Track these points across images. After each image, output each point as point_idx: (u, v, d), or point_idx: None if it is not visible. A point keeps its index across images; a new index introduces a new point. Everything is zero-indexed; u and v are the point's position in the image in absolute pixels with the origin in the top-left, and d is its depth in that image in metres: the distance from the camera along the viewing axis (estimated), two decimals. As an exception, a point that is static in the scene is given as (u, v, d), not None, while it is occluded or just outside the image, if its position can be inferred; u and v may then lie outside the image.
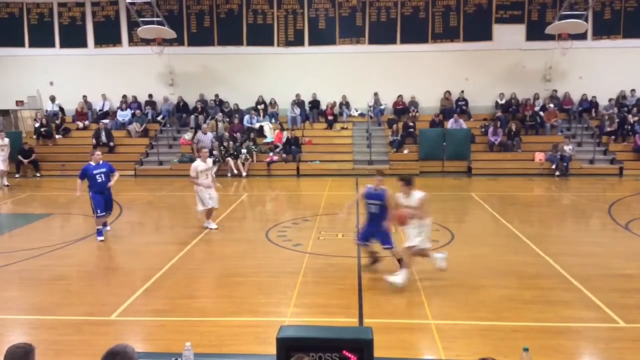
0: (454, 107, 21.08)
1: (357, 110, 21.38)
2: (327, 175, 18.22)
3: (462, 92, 21.16)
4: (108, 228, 10.66)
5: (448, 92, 21.26)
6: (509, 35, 20.90)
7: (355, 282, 7.73)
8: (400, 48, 21.21)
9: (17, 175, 18.63)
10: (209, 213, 10.91)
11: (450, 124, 19.94)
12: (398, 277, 7.32)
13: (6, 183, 16.87)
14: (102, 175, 10.19)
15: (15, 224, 11.87)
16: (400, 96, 21.27)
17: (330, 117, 20.86)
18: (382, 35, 21.24)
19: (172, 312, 6.73)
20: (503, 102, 21.01)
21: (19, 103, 21.90)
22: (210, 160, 11.24)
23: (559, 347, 5.69)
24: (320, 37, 21.40)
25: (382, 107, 21.23)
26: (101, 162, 10.33)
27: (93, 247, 9.88)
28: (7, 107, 22.26)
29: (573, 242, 10.25)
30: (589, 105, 20.88)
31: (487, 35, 21.07)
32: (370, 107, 21.11)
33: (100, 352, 2.96)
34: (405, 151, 19.50)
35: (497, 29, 21.05)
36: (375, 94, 21.23)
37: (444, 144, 19.06)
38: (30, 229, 11.46)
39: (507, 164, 18.71)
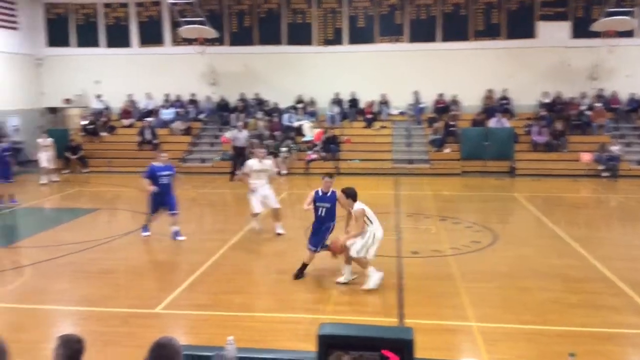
0: (497, 105, 20.70)
1: (396, 109, 21.24)
2: (365, 174, 18.16)
3: (505, 90, 20.75)
4: (148, 233, 10.28)
5: (490, 90, 20.88)
6: (554, 33, 20.35)
7: (396, 282, 7.70)
8: (440, 46, 20.94)
9: (65, 172, 19.26)
10: (275, 216, 10.48)
11: (492, 122, 19.59)
12: (370, 283, 7.30)
13: (55, 179, 17.42)
14: (167, 177, 9.99)
15: (64, 218, 12.27)
16: (441, 94, 21.02)
17: (369, 116, 20.79)
18: (421, 33, 21.01)
19: (215, 307, 6.86)
20: (548, 100, 20.50)
21: (66, 101, 22.65)
22: (268, 162, 10.65)
23: (607, 353, 5.54)
24: (360, 36, 21.34)
25: (422, 105, 21.03)
26: (166, 163, 10.20)
27: (139, 241, 10.13)
28: (56, 105, 23.05)
29: (621, 245, 9.94)
30: (637, 105, 20.17)
31: (530, 33, 20.58)
32: (410, 105, 20.95)
33: (145, 343, 3.04)
34: (447, 150, 19.26)
35: (541, 26, 20.54)
36: (415, 93, 21.04)
37: (486, 143, 18.73)
38: (78, 223, 11.83)
39: (552, 164, 18.25)
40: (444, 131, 19.62)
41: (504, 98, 20.78)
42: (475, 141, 18.85)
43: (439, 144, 19.33)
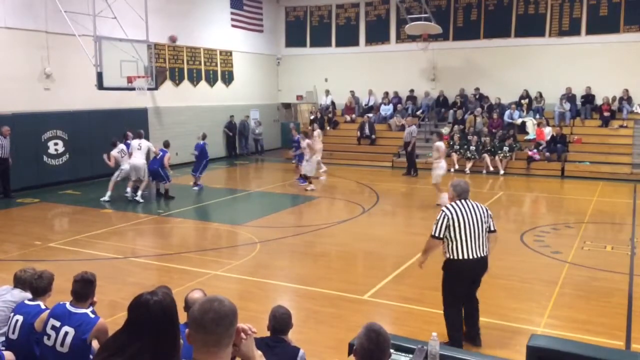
0: None
1: (641, 107, 18.62)
2: (597, 178, 16.34)
3: None
4: None
5: None
6: None
7: (625, 301, 6.82)
8: None
9: (294, 162, 21.06)
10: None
11: None
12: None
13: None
14: None
15: (289, 203, 13.57)
16: None
17: (606, 114, 18.58)
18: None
19: (419, 302, 6.89)
20: None
21: (299, 97, 24.78)
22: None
23: None
24: (600, 25, 19.13)
25: (675, 102, 18.06)
26: None
27: (351, 230, 10.66)
28: (289, 100, 25.39)
29: None
30: None
31: None
32: (659, 102, 18.17)
33: (353, 327, 3.21)
34: None
35: None
36: (667, 88, 18.16)
37: None
38: (300, 208, 12.95)
39: None
40: (703, 134, 16.61)
41: None
42: None
43: (695, 149, 16.43)
